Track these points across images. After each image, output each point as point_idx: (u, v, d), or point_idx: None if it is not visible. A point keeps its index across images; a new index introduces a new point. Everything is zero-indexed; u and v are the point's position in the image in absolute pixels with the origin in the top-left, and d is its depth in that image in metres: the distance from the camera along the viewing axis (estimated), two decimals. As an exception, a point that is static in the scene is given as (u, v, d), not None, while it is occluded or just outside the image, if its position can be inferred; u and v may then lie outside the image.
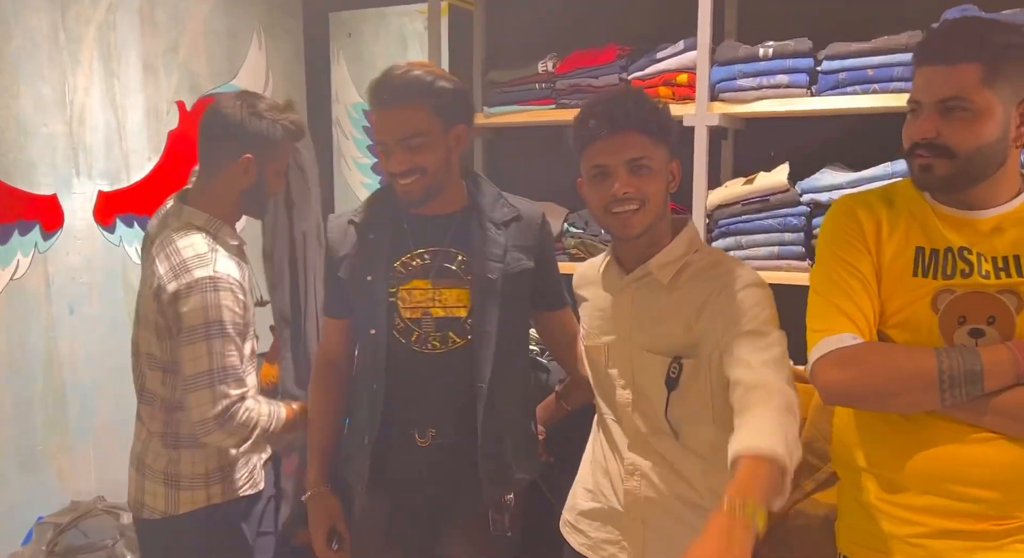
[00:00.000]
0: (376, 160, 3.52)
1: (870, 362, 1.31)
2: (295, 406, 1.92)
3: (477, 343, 1.70)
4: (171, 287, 1.73)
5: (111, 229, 2.77)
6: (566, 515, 1.72)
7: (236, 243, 1.87)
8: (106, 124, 2.72)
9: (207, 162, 1.87)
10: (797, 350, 1.65)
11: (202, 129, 1.87)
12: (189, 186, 1.95)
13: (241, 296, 1.77)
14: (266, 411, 1.81)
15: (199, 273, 1.72)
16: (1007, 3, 2.05)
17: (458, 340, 1.72)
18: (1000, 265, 1.32)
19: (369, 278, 1.73)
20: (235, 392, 1.74)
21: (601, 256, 1.72)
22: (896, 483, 1.36)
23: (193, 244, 1.77)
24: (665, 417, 1.52)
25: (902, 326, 1.37)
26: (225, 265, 1.77)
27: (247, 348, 1.83)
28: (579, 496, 1.69)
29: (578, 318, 1.76)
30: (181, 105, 2.95)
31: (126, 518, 2.46)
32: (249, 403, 1.77)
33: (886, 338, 1.39)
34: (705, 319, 1.49)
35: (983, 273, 1.32)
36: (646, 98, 1.56)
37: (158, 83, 2.88)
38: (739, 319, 1.43)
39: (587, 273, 1.73)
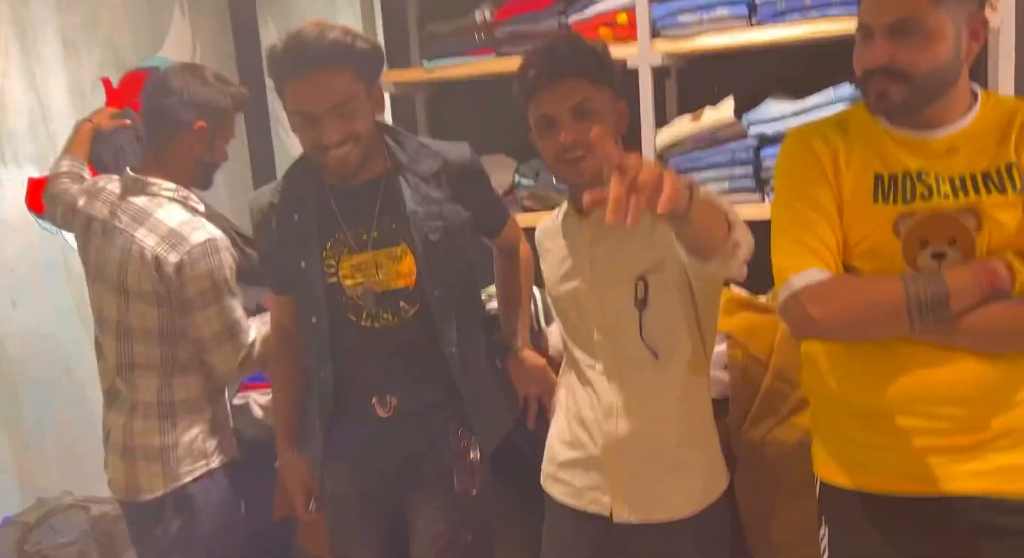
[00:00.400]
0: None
1: (839, 296, 1.32)
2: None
3: (436, 309, 1.67)
4: (172, 257, 1.79)
5: (46, 217, 2.66)
6: (546, 468, 1.73)
7: (202, 208, 1.92)
8: (28, 106, 2.61)
9: (157, 134, 1.90)
10: (754, 282, 1.66)
11: (150, 100, 1.90)
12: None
13: (233, 251, 1.87)
14: (264, 333, 1.92)
15: (196, 238, 1.81)
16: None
17: (410, 309, 1.69)
18: (958, 185, 1.33)
19: (303, 264, 1.67)
20: (248, 339, 1.88)
21: (559, 209, 1.72)
22: (868, 407, 1.38)
23: (173, 213, 1.84)
24: (641, 339, 1.54)
25: (866, 255, 1.37)
26: (211, 227, 1.85)
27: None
28: (556, 449, 1.70)
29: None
30: (107, 82, 2.80)
31: (96, 510, 2.42)
32: (262, 332, 1.91)
33: (851, 268, 1.39)
34: (659, 230, 1.48)
35: (942, 194, 1.33)
36: (582, 42, 1.55)
37: (79, 60, 2.75)
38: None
39: (548, 226, 1.72)
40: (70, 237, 2.67)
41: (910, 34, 1.28)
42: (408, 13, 2.85)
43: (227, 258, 1.84)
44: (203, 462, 1.90)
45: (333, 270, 1.68)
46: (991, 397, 1.32)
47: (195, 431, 1.89)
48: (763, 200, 2.25)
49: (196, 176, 1.93)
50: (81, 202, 1.97)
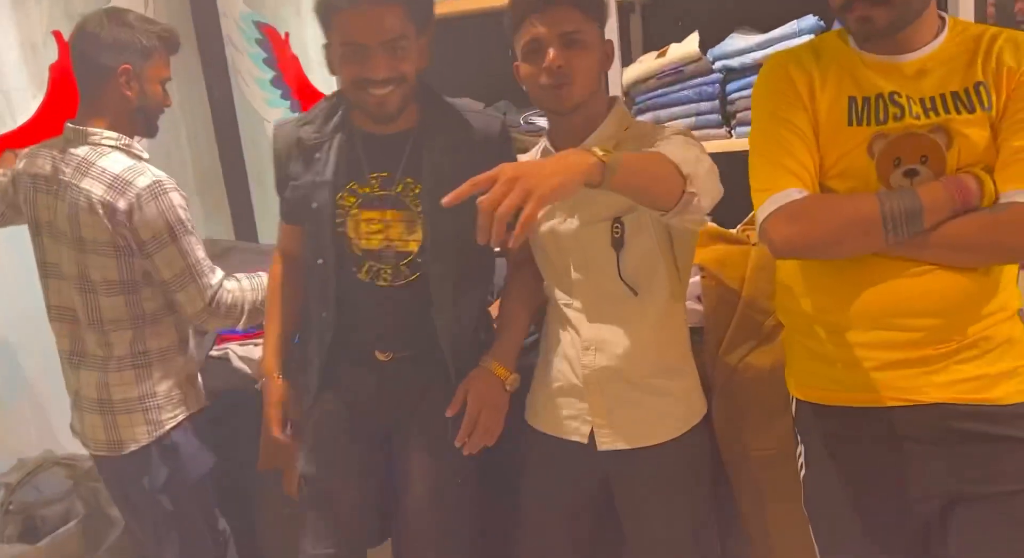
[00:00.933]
0: (275, 73, 3.38)
1: (817, 213, 1.35)
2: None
3: (434, 282, 1.66)
4: (121, 204, 1.77)
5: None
6: (529, 402, 1.76)
7: (146, 156, 1.89)
8: (-22, 63, 2.52)
9: (86, 84, 1.88)
10: (725, 215, 1.69)
11: (73, 50, 1.88)
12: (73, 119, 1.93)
13: (183, 192, 1.85)
14: (248, 285, 1.94)
15: (141, 182, 1.79)
16: None
17: (409, 275, 1.68)
18: (928, 105, 1.36)
19: (314, 205, 1.65)
20: (214, 279, 1.88)
21: (534, 149, 1.71)
22: (842, 324, 1.42)
23: (116, 160, 1.82)
24: (620, 278, 1.57)
25: (842, 175, 1.41)
26: (155, 170, 1.83)
27: None
28: (539, 383, 1.73)
29: None
30: (58, 35, 2.73)
31: (80, 468, 2.42)
32: (229, 284, 1.91)
33: (827, 189, 1.43)
34: None
35: (914, 115, 1.36)
36: None
37: (28, 13, 2.65)
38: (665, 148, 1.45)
39: None
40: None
41: None
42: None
43: (177, 198, 1.82)
44: (182, 409, 1.93)
45: (342, 218, 1.67)
46: (961, 309, 1.36)
47: (171, 380, 1.92)
48: (730, 135, 2.26)
49: (135, 122, 1.90)
50: (21, 165, 1.94)
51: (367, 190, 1.67)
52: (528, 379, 1.76)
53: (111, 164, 1.81)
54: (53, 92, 2.70)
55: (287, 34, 3.33)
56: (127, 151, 1.86)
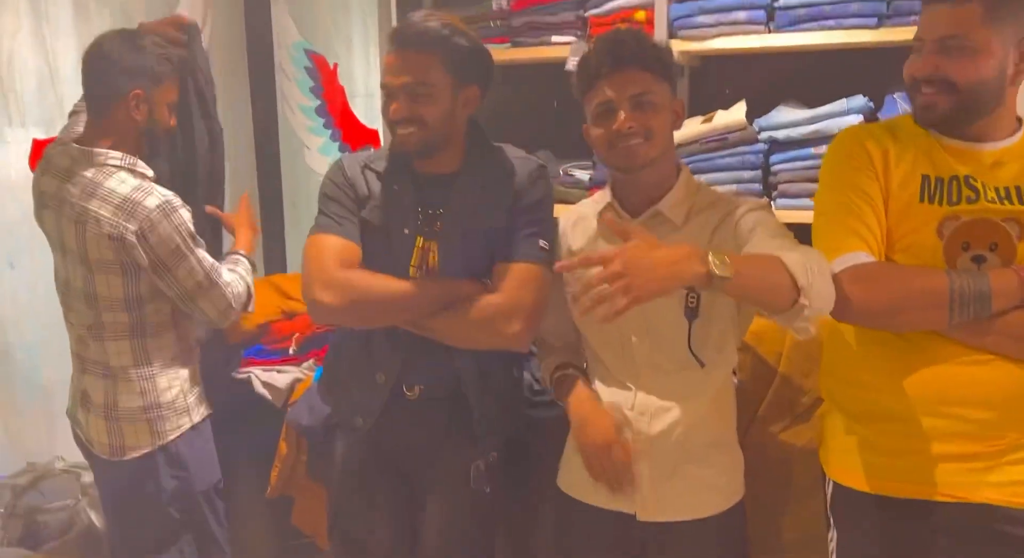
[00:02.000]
0: (320, 103, 3.43)
1: (883, 278, 1.35)
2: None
3: None
4: (132, 225, 1.80)
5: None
6: (565, 467, 1.72)
7: (152, 175, 1.93)
8: (37, 69, 2.57)
9: (96, 104, 1.90)
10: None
11: (86, 70, 1.90)
12: (74, 133, 1.97)
13: (187, 208, 1.89)
14: (242, 270, 2.05)
15: (151, 202, 1.82)
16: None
17: None
18: (1003, 194, 1.37)
19: (406, 231, 1.69)
20: (226, 277, 1.96)
21: (589, 205, 1.71)
22: (892, 408, 1.40)
23: (124, 180, 1.84)
24: (689, 348, 1.54)
25: (907, 251, 1.40)
26: (162, 190, 1.87)
27: None
28: (575, 451, 1.66)
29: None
30: (116, 47, 2.79)
31: (87, 477, 2.41)
32: (229, 276, 1.98)
33: (891, 262, 1.42)
34: (717, 240, 1.53)
35: (988, 199, 1.37)
36: (646, 36, 1.58)
37: (90, 23, 2.71)
38: (753, 228, 1.47)
39: (579, 223, 1.70)
40: (71, 201, 2.67)
41: (956, 49, 1.34)
42: (424, -3, 2.85)
43: (186, 214, 1.88)
44: (186, 419, 1.96)
45: (405, 243, 1.71)
46: (1017, 403, 1.35)
47: (175, 390, 1.95)
48: (770, 205, 2.26)
49: (140, 144, 1.93)
50: (44, 177, 1.97)
51: (419, 222, 1.71)
52: (557, 440, 1.73)
53: (118, 185, 1.83)
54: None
55: (335, 65, 3.39)
56: (132, 171, 1.88)
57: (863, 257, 1.37)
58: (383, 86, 1.65)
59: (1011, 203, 1.37)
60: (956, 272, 1.34)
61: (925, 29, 1.39)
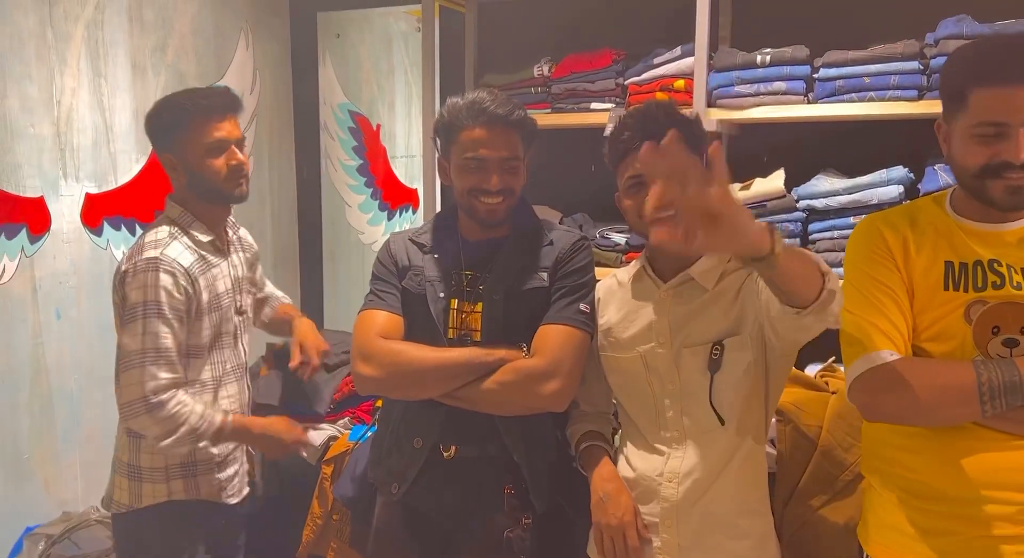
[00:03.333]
0: (362, 162, 3.50)
1: (910, 378, 1.33)
2: (231, 418, 1.89)
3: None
4: (123, 267, 1.83)
5: (98, 232, 2.71)
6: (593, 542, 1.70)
7: (208, 239, 1.92)
8: (94, 125, 2.67)
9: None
10: (801, 355, 1.66)
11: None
12: None
13: (184, 282, 1.81)
14: (199, 411, 1.82)
15: (148, 254, 1.81)
16: (1000, 13, 2.09)
17: None
18: None
19: (441, 295, 1.76)
20: (165, 376, 1.77)
21: (623, 271, 1.74)
22: (933, 488, 1.38)
23: (157, 232, 1.87)
24: (710, 403, 1.54)
25: (936, 339, 1.39)
26: (176, 250, 1.84)
27: (198, 337, 1.87)
28: None
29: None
30: (169, 106, 2.90)
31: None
32: (184, 397, 1.80)
33: (921, 351, 1.41)
34: (743, 297, 1.54)
35: (1015, 284, 1.35)
36: (677, 110, 1.61)
37: (146, 83, 2.82)
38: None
39: (613, 287, 1.74)
40: (119, 253, 2.74)
41: None
42: (466, 63, 2.92)
43: (166, 280, 1.78)
44: (163, 491, 1.89)
45: (442, 307, 1.76)
46: None
47: (158, 459, 1.88)
48: (808, 273, 2.26)
49: (196, 199, 1.92)
50: None
51: (457, 283, 1.78)
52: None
53: (148, 233, 1.88)
54: (155, 158, 2.83)
55: (378, 125, 3.47)
56: (183, 228, 1.90)
57: (887, 356, 1.36)
58: (473, 158, 1.71)
59: None
60: (984, 363, 1.32)
61: (1009, 112, 1.30)
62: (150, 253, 1.81)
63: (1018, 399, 1.29)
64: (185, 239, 1.89)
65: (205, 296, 1.87)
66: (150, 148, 2.79)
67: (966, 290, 1.37)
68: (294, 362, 2.11)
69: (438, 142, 1.80)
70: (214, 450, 1.92)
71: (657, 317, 1.60)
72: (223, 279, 1.95)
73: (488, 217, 1.75)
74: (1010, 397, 1.29)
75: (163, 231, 1.87)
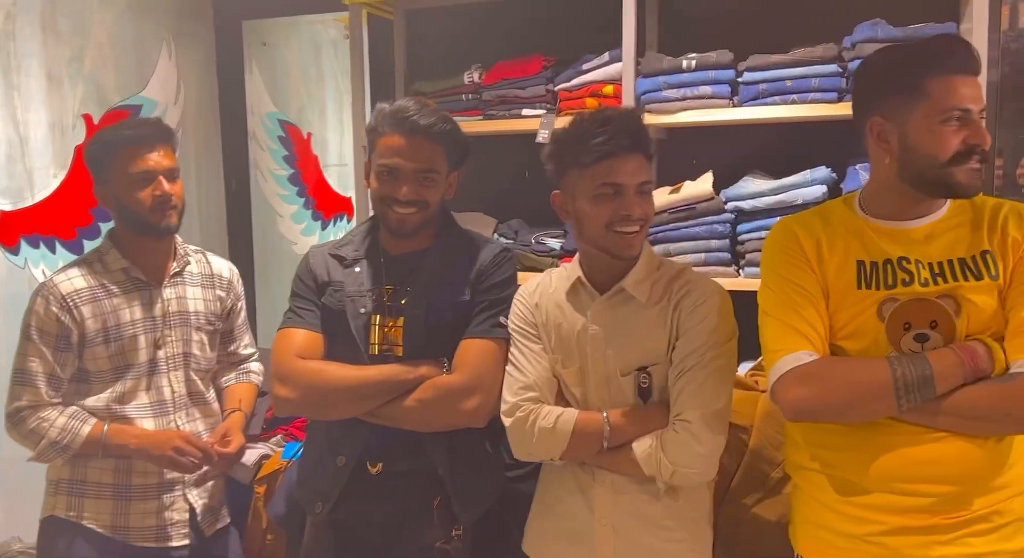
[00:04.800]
0: (293, 171, 3.45)
1: (829, 377, 1.37)
2: (108, 429, 1.87)
3: None
4: None
5: (15, 251, 2.61)
6: (528, 531, 1.71)
7: (120, 267, 1.93)
8: (7, 140, 2.57)
9: None
10: (744, 350, 1.68)
11: None
12: None
13: (56, 308, 1.84)
14: (60, 424, 1.84)
15: (48, 278, 1.90)
16: (913, 17, 2.16)
17: None
18: (937, 271, 1.40)
19: (362, 310, 1.73)
20: (27, 398, 1.84)
21: (555, 275, 1.71)
22: (853, 484, 1.41)
23: (78, 258, 1.97)
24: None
25: (852, 337, 1.43)
26: (63, 276, 1.88)
27: (92, 363, 1.88)
28: (541, 521, 1.68)
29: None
30: (88, 118, 2.81)
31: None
32: (45, 413, 1.84)
33: (838, 349, 1.45)
34: (666, 331, 1.55)
35: (922, 281, 1.40)
36: (642, 121, 1.62)
37: (63, 95, 2.73)
38: (692, 344, 1.52)
39: (549, 294, 1.68)
40: (38, 272, 2.64)
41: (980, 122, 1.38)
42: (396, 70, 2.90)
43: (39, 305, 1.85)
44: (51, 504, 1.91)
45: (363, 323, 1.74)
46: (974, 479, 1.36)
47: (53, 472, 1.93)
48: (738, 274, 2.30)
49: (126, 227, 1.95)
50: None
51: (384, 298, 1.75)
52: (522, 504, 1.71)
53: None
54: (74, 174, 2.75)
55: (309, 134, 3.42)
56: (100, 255, 1.95)
57: (805, 356, 1.39)
58: (388, 167, 1.69)
59: (944, 280, 1.39)
60: (897, 359, 1.36)
61: (967, 98, 1.37)
62: (46, 278, 1.90)
63: (931, 392, 1.33)
64: (96, 265, 1.93)
65: (93, 324, 1.87)
66: (69, 162, 2.74)
67: (878, 288, 1.41)
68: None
69: (366, 148, 1.78)
70: (107, 478, 1.90)
71: (594, 332, 1.60)
72: (132, 309, 1.92)
73: (398, 227, 1.73)
74: (923, 391, 1.33)
75: (80, 258, 1.95)
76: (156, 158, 1.90)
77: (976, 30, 2.03)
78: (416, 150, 1.68)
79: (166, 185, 1.90)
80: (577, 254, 1.69)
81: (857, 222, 1.47)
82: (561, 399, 1.64)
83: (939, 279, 1.39)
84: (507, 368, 1.67)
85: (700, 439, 1.47)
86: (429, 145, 1.70)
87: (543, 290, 1.69)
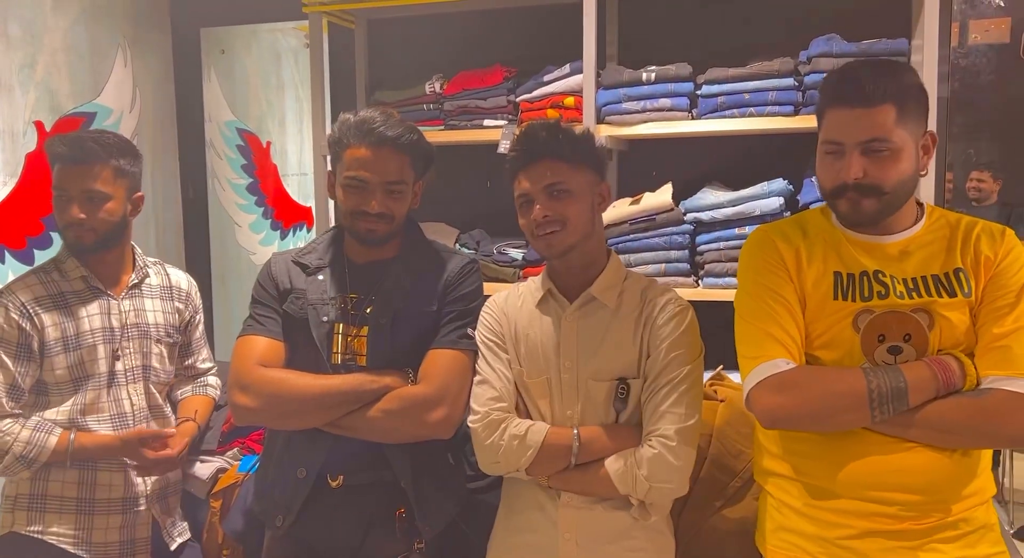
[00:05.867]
0: (252, 180, 3.41)
1: (805, 386, 1.38)
2: (74, 437, 1.84)
3: None
4: None
5: None
6: (491, 547, 1.69)
7: (79, 275, 1.92)
8: (-45, 147, 2.50)
9: None
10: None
11: None
12: None
13: (15, 315, 1.82)
14: (25, 437, 1.80)
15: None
16: (867, 33, 2.21)
17: None
18: (911, 286, 1.42)
19: (325, 319, 1.71)
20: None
21: (521, 289, 1.72)
22: (822, 490, 1.43)
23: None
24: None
25: (827, 346, 1.44)
26: (22, 283, 1.87)
27: (50, 374, 1.85)
28: (504, 535, 1.67)
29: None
30: (40, 125, 2.74)
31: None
32: (6, 425, 1.80)
33: (813, 359, 1.46)
34: (638, 346, 1.57)
35: (898, 294, 1.42)
36: (560, 127, 1.62)
37: (13, 102, 2.66)
38: (665, 361, 1.54)
39: (518, 306, 1.69)
40: (4, 270, 2.58)
41: (880, 151, 1.38)
42: (357, 80, 2.88)
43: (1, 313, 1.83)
44: (9, 520, 1.86)
45: (326, 331, 1.71)
46: (942, 488, 1.38)
47: (11, 487, 1.88)
48: (697, 284, 2.32)
49: (68, 242, 1.92)
50: None
51: (348, 306, 1.73)
52: (485, 519, 1.70)
53: None
54: (25, 181, 2.68)
55: (268, 143, 3.39)
56: (57, 264, 1.93)
57: (782, 364, 1.40)
58: (355, 178, 1.67)
59: (919, 295, 1.41)
60: (873, 371, 1.37)
61: (843, 132, 1.40)
62: (2, 286, 1.87)
63: (904, 404, 1.35)
64: (54, 274, 1.90)
65: (53, 332, 1.84)
66: (19, 170, 2.68)
67: (854, 299, 1.43)
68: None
69: (328, 158, 1.76)
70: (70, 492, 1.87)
71: (565, 340, 1.60)
72: (91, 318, 1.90)
73: (367, 236, 1.71)
74: (897, 403, 1.35)
75: (38, 266, 1.92)
76: (79, 177, 1.86)
77: (927, 46, 2.08)
78: (384, 162, 1.67)
79: (75, 210, 1.85)
80: (545, 265, 1.71)
81: (835, 234, 1.49)
82: (522, 414, 1.63)
83: (913, 294, 1.42)
84: (475, 379, 1.66)
85: (677, 454, 1.49)
86: (397, 156, 1.68)
87: (511, 301, 1.71)
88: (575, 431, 1.55)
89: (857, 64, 1.46)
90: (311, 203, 3.35)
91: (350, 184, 1.68)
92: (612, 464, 1.52)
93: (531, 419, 1.61)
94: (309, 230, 3.40)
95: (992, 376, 1.36)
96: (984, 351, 1.39)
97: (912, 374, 1.36)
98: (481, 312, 1.73)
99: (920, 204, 1.50)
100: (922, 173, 1.45)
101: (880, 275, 1.43)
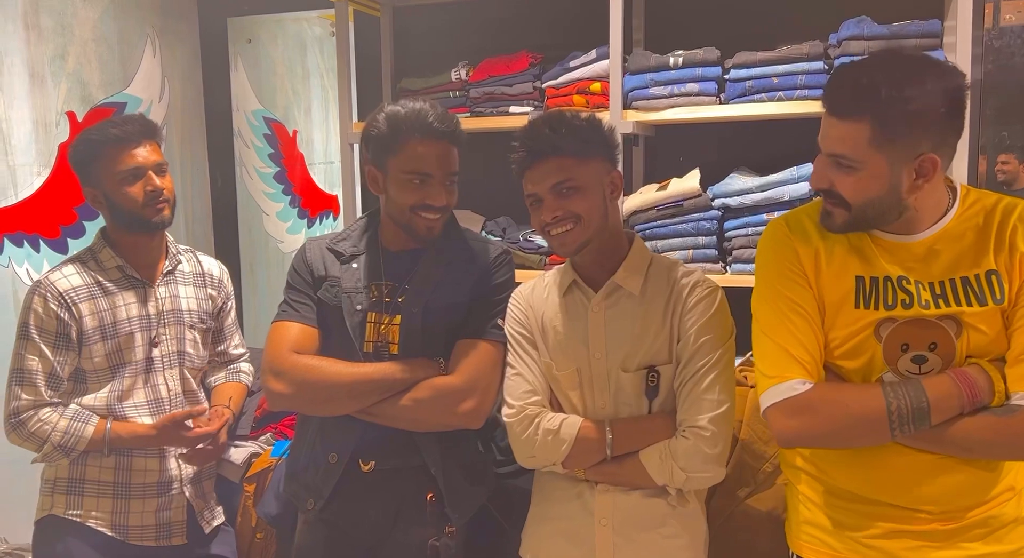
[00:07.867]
0: (279, 169, 3.43)
1: (821, 409, 1.33)
2: (111, 426, 1.87)
3: None
4: None
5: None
6: (526, 536, 1.70)
7: (116, 264, 1.94)
8: (-11, 137, 2.55)
9: None
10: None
11: None
12: None
13: (55, 305, 1.83)
14: (63, 427, 1.84)
15: (39, 277, 1.89)
16: (898, 14, 2.17)
17: None
18: (938, 292, 1.34)
19: (359, 307, 1.72)
20: (25, 397, 1.83)
21: (548, 279, 1.71)
22: (848, 492, 1.41)
23: (70, 256, 1.95)
24: None
25: (848, 355, 1.39)
26: (59, 274, 1.88)
27: (89, 362, 1.88)
28: (539, 524, 1.68)
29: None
30: (72, 116, 2.78)
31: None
32: (45, 414, 1.83)
33: (833, 366, 1.41)
34: (668, 330, 1.56)
35: (923, 303, 1.34)
36: (564, 120, 1.58)
37: (45, 93, 2.70)
38: (696, 346, 1.53)
39: (543, 298, 1.68)
40: (21, 271, 2.62)
41: (844, 167, 1.31)
42: (382, 68, 2.89)
43: (37, 303, 1.84)
44: (48, 504, 1.90)
45: (359, 320, 1.72)
46: (970, 493, 1.35)
47: (51, 472, 1.92)
48: (724, 270, 2.31)
49: (118, 225, 1.95)
50: None
51: (376, 295, 1.74)
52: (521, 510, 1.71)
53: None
54: (58, 172, 2.72)
55: (295, 132, 3.41)
56: (93, 253, 1.95)
57: (798, 386, 1.35)
58: (417, 172, 1.65)
59: (946, 303, 1.33)
60: (893, 388, 1.32)
61: (821, 137, 1.34)
62: (40, 276, 1.88)
63: (925, 424, 1.30)
64: (91, 263, 1.93)
65: (91, 321, 1.87)
66: (52, 160, 2.72)
67: (876, 308, 1.36)
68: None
69: (368, 151, 1.72)
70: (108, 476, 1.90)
71: (593, 330, 1.60)
72: (128, 307, 1.92)
73: (427, 233, 1.71)
74: (918, 422, 1.30)
75: (73, 256, 1.93)
76: (144, 154, 1.90)
77: (960, 27, 2.04)
78: (445, 155, 1.67)
79: (156, 180, 1.90)
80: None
81: (860, 232, 1.39)
82: (554, 406, 1.63)
83: (940, 301, 1.34)
84: (508, 372, 1.66)
85: (712, 442, 1.48)
86: (453, 149, 1.69)
87: (537, 293, 1.70)
88: (607, 425, 1.55)
89: (847, 68, 1.33)
90: (337, 191, 3.36)
91: (412, 180, 1.66)
92: (647, 456, 1.52)
93: (563, 412, 1.61)
94: (335, 218, 3.41)
95: (1022, 392, 1.29)
96: (1014, 363, 1.31)
97: (935, 391, 1.29)
98: (508, 305, 1.72)
99: (953, 188, 1.40)
100: (911, 194, 1.32)
101: (904, 282, 1.35)
